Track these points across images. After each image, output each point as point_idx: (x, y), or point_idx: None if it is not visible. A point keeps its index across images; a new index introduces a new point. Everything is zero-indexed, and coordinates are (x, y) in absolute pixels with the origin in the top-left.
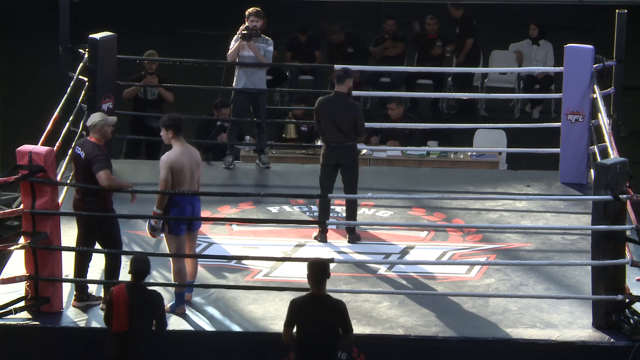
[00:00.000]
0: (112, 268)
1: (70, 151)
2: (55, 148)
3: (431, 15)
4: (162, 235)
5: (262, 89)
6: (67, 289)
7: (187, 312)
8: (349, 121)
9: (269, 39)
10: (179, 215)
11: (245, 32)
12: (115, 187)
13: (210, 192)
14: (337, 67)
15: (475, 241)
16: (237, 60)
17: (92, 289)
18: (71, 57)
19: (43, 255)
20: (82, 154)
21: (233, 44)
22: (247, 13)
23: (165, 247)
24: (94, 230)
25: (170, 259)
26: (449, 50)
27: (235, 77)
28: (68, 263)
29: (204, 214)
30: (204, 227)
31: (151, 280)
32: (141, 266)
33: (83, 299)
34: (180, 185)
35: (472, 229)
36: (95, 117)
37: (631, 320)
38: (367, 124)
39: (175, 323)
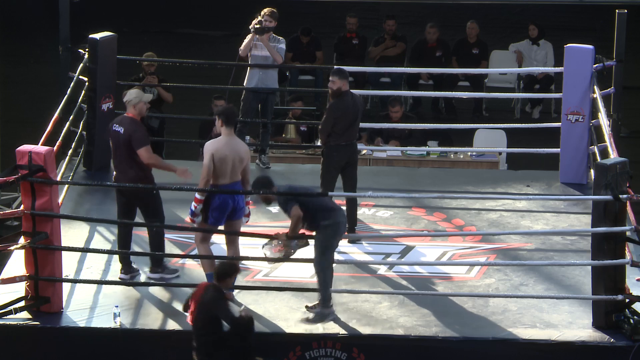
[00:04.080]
0: (157, 237)
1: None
2: (55, 148)
3: (431, 24)
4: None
5: (273, 88)
6: (67, 289)
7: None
8: (359, 118)
9: (281, 38)
10: (220, 206)
11: (257, 25)
12: (154, 164)
13: (211, 190)
14: (336, 67)
15: (475, 241)
16: (249, 58)
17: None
18: (71, 57)
19: (43, 255)
20: (120, 129)
21: (245, 41)
22: (262, 12)
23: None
24: (135, 201)
25: (197, 245)
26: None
27: (246, 76)
28: (68, 263)
29: None
30: None
31: (151, 281)
32: (219, 269)
33: (157, 271)
34: (222, 175)
35: (471, 228)
36: (131, 94)
37: (631, 320)
38: (368, 125)
39: (175, 323)
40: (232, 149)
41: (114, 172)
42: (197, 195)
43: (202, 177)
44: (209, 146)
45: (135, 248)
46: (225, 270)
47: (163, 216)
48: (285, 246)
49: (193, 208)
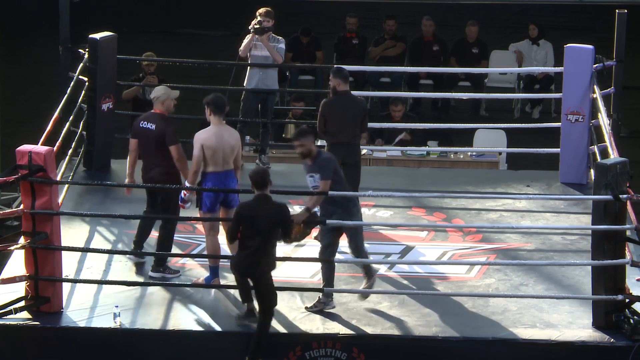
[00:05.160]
0: (165, 238)
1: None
2: (55, 148)
3: (427, 17)
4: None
5: (273, 89)
6: (67, 289)
7: (187, 311)
8: (359, 118)
9: (281, 38)
10: (213, 194)
11: (257, 26)
12: (180, 163)
13: (211, 189)
14: (335, 66)
15: (475, 241)
16: (249, 58)
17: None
18: (71, 57)
19: (43, 255)
20: (151, 126)
21: (245, 41)
22: (257, 13)
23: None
24: (158, 197)
25: (206, 236)
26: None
27: (246, 76)
28: (68, 263)
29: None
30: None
31: (151, 281)
32: (255, 176)
33: (159, 270)
34: (213, 164)
35: (472, 229)
36: (159, 90)
37: (631, 320)
38: (368, 124)
39: (175, 323)
40: (222, 139)
41: (142, 168)
42: (187, 183)
43: (192, 167)
44: (198, 136)
45: None
46: (262, 174)
47: (177, 214)
48: (303, 228)
49: (183, 195)
